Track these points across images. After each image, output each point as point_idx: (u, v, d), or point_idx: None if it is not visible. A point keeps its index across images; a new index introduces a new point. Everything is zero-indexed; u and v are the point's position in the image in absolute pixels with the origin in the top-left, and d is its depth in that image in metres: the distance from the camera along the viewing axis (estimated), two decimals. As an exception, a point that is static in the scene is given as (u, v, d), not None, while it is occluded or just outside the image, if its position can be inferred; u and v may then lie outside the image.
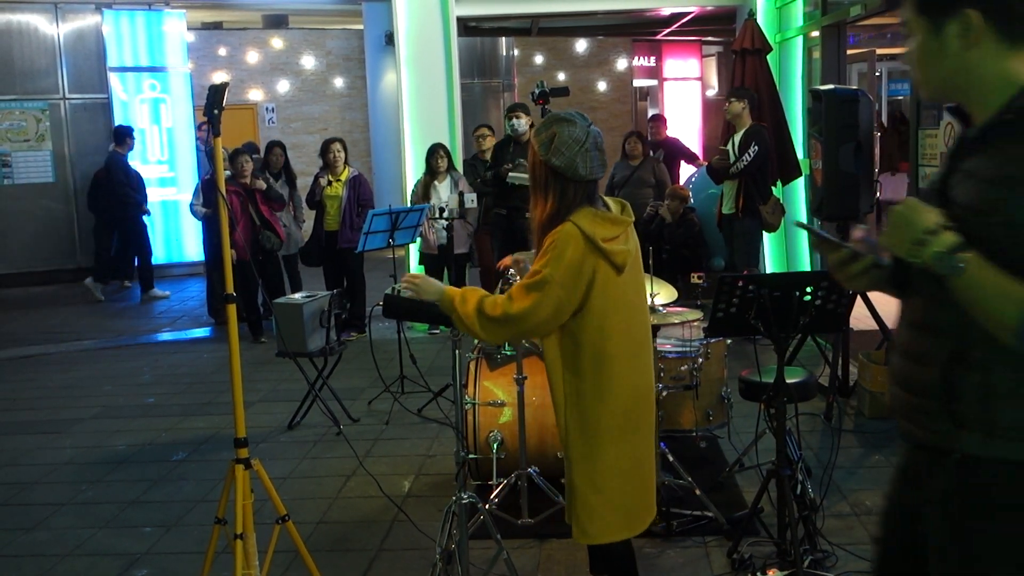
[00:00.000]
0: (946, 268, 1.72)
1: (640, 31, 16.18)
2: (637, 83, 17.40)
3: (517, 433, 4.21)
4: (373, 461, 5.24)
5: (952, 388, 1.80)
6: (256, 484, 3.37)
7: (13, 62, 11.89)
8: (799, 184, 8.23)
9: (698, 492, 4.22)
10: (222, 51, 15.40)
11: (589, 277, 2.77)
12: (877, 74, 14.67)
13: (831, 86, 6.32)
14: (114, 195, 10.66)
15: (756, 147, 7.12)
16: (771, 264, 8.78)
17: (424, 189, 8.09)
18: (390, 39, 10.84)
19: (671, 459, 4.25)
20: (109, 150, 10.85)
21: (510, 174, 7.66)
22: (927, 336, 1.87)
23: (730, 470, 4.72)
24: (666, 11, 13.49)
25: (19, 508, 4.83)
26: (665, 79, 16.59)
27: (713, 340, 4.59)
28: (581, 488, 2.90)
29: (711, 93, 16.69)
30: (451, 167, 8.18)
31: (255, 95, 15.50)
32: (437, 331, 8.12)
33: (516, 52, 14.75)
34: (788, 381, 3.80)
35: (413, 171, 8.61)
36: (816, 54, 8.25)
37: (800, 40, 8.55)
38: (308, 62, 15.69)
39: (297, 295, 6.20)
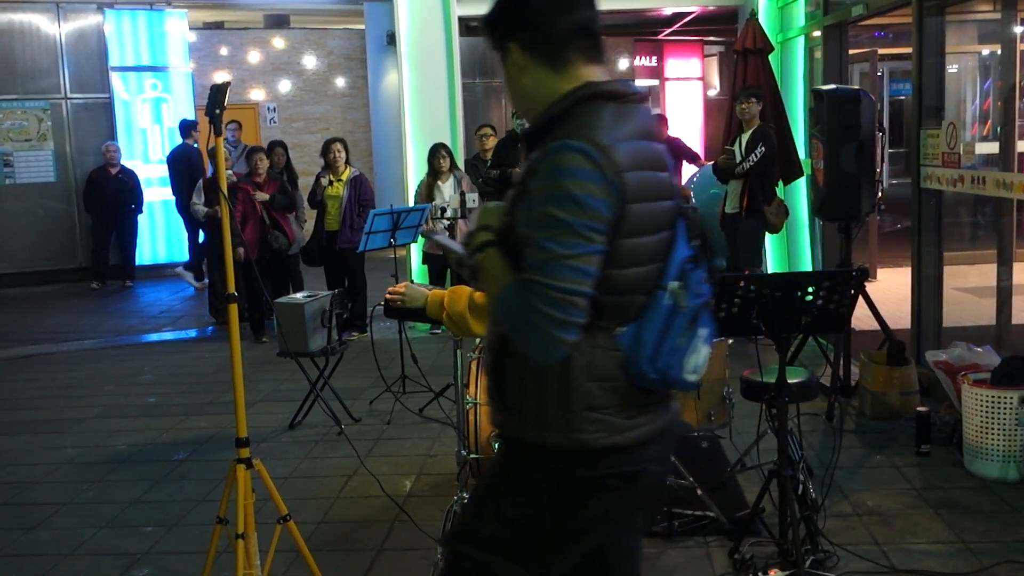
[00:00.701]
0: (469, 261, 2.03)
1: (641, 31, 16.17)
2: (639, 83, 17.39)
3: (518, 433, 4.20)
4: (374, 461, 5.24)
5: (499, 377, 2.06)
6: (257, 484, 3.36)
7: (15, 62, 11.90)
8: (800, 184, 8.22)
9: (700, 492, 4.22)
10: (223, 51, 15.40)
11: None
12: (879, 74, 14.65)
13: (833, 86, 6.32)
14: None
15: (763, 148, 7.10)
16: (773, 264, 8.78)
17: (428, 190, 8.08)
18: (391, 39, 10.85)
19: (672, 459, 4.24)
20: (180, 143, 10.81)
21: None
22: (492, 329, 2.12)
23: (732, 470, 4.71)
24: (668, 11, 13.48)
25: (20, 508, 4.83)
26: (667, 79, 16.56)
27: (714, 340, 4.57)
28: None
29: (713, 93, 16.66)
30: (454, 166, 8.18)
31: (256, 95, 15.50)
32: (438, 331, 8.11)
33: (518, 52, 14.71)
34: (790, 381, 3.80)
35: (414, 171, 8.60)
36: (818, 54, 8.24)
37: (802, 40, 8.54)
38: (309, 62, 15.69)
39: (299, 295, 6.19)
